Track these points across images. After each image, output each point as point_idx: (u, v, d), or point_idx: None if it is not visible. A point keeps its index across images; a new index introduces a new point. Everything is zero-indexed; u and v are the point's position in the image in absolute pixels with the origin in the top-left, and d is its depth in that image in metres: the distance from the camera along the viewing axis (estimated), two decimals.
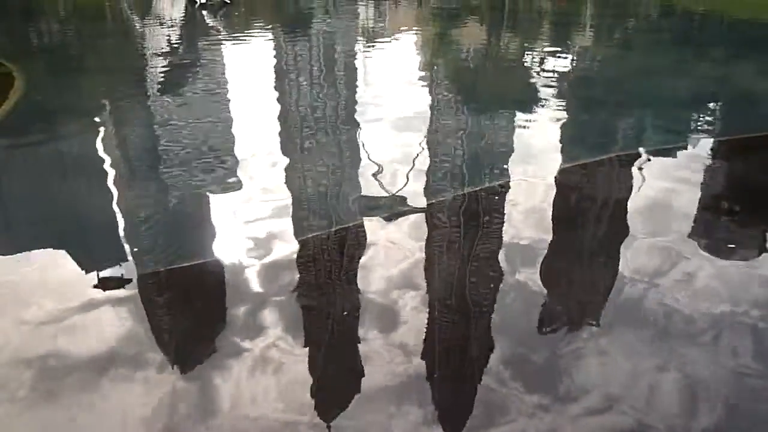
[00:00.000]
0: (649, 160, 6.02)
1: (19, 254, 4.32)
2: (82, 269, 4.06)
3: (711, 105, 8.30)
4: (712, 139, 6.74)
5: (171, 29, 16.28)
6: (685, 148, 6.39)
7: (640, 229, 4.50)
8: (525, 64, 11.34)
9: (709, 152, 6.33)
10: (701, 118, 7.61)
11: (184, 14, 18.66)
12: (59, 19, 20.08)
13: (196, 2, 17.84)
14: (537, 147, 6.53)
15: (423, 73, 10.71)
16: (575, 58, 11.80)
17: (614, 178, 5.85)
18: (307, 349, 3.19)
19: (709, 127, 7.28)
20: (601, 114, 7.82)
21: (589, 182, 5.72)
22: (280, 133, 7.07)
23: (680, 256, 4.05)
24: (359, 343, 3.23)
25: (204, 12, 17.05)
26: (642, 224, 4.60)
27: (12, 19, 20.29)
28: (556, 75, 10.07)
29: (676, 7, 20.44)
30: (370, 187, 5.35)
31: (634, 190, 5.28)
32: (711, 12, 19.15)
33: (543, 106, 8.05)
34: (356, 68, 11.10)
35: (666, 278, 3.79)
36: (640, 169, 5.83)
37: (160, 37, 14.94)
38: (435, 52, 12.79)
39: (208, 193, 5.32)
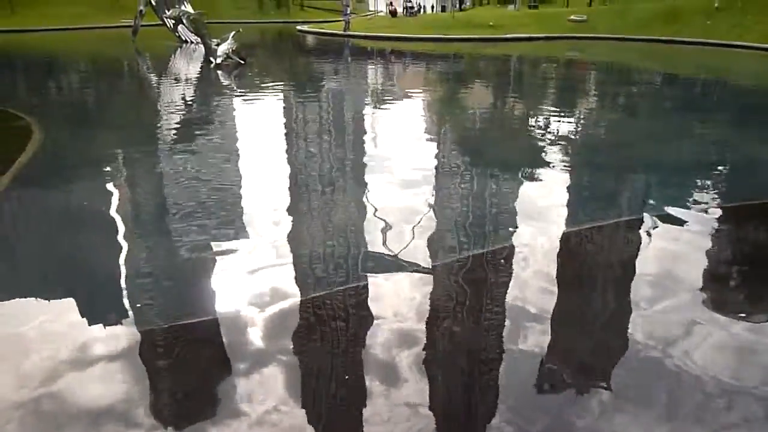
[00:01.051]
0: (656, 225, 6.03)
1: (20, 306, 4.32)
2: (84, 322, 4.05)
3: (716, 171, 8.37)
4: (717, 205, 6.75)
5: (186, 87, 16.81)
6: (691, 213, 6.40)
7: (648, 296, 4.46)
8: (530, 127, 11.56)
9: (716, 218, 6.34)
10: (706, 184, 7.66)
11: (199, 73, 19.31)
12: (79, 74, 20.80)
13: (212, 62, 18.45)
14: (542, 209, 6.56)
15: (430, 134, 10.93)
16: (580, 122, 12.03)
17: (620, 242, 5.85)
18: (306, 412, 3.13)
19: (715, 193, 7.32)
20: (606, 178, 7.90)
21: (594, 246, 5.72)
22: (286, 190, 7.16)
23: (690, 325, 3.99)
24: (362, 405, 3.16)
25: (219, 71, 17.61)
26: (649, 291, 4.56)
27: (34, 74, 21.05)
28: (561, 138, 10.23)
29: (679, 74, 20.97)
30: (373, 247, 5.37)
31: (640, 256, 5.27)
32: (713, 79, 19.65)
33: (548, 168, 8.15)
34: (365, 128, 11.35)
35: (676, 348, 3.73)
36: (646, 233, 5.84)
37: (176, 95, 15.40)
38: (442, 114, 13.09)
39: (212, 249, 5.35)
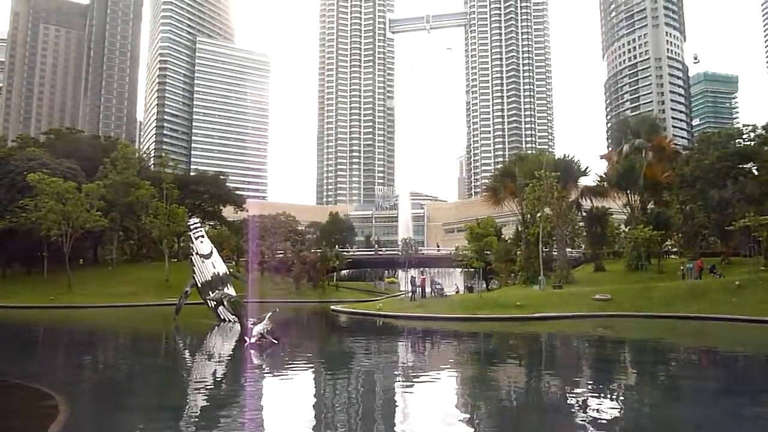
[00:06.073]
0: None
1: None
2: None
3: None
4: None
5: (218, 365, 16.99)
6: None
7: None
8: (567, 408, 10.95)
9: None
10: None
11: (233, 351, 19.70)
12: (116, 351, 21.39)
13: (246, 341, 18.98)
14: None
15: (462, 415, 10.43)
16: (619, 403, 11.41)
17: None
18: None
19: None
20: None
21: None
22: None
23: None
24: None
25: (252, 350, 17.97)
26: None
27: (74, 348, 21.76)
28: (599, 421, 9.61)
29: (718, 351, 20.45)
30: None
31: None
32: (756, 354, 19.03)
33: None
34: (393, 410, 10.94)
35: None
36: None
37: (207, 373, 15.49)
38: (475, 394, 12.65)
39: None
